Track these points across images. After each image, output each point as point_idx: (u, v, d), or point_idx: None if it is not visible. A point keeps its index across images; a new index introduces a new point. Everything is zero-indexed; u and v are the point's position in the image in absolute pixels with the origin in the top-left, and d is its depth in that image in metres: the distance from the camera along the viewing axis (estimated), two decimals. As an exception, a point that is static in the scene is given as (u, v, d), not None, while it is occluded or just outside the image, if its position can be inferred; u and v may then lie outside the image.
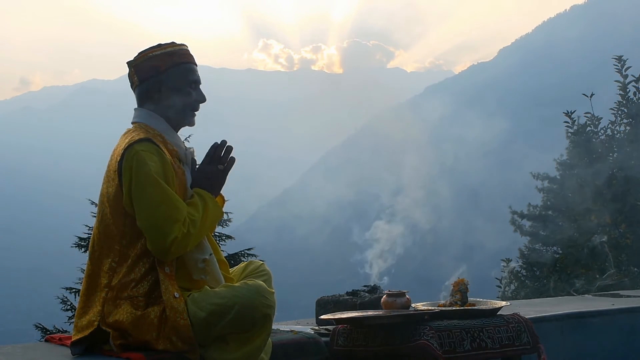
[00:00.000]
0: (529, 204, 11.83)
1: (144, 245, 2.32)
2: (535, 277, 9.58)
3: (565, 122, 8.59)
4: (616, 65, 7.93)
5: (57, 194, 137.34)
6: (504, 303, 3.02)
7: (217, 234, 10.30)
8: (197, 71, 2.53)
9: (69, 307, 9.59)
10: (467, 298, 2.99)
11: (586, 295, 5.31)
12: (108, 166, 2.40)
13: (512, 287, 9.54)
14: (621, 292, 5.09)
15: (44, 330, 9.40)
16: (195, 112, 2.54)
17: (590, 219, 8.06)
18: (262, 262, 2.76)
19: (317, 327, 3.14)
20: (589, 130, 8.33)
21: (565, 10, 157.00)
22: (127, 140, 2.36)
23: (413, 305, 2.98)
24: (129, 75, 2.50)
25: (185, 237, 2.29)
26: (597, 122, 8.32)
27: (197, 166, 2.52)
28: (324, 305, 3.31)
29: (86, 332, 2.33)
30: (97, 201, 2.46)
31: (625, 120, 8.12)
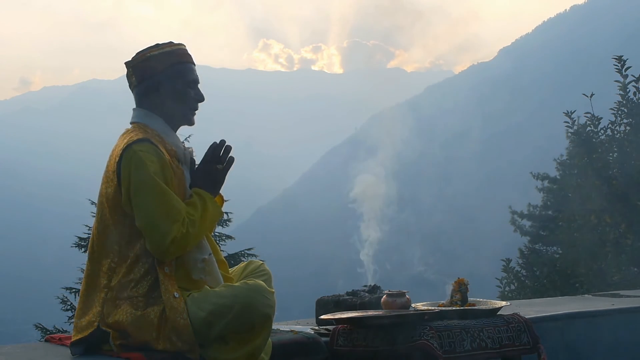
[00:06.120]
0: (529, 204, 11.84)
1: (143, 246, 2.32)
2: (535, 277, 9.59)
3: (565, 122, 8.58)
4: (616, 65, 7.91)
5: (56, 194, 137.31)
6: (504, 303, 3.02)
7: (217, 234, 10.30)
8: (195, 71, 2.53)
9: (69, 307, 9.60)
10: (467, 298, 2.99)
11: (586, 295, 5.30)
12: (107, 166, 2.40)
13: (512, 287, 9.55)
14: (621, 292, 5.08)
15: (44, 330, 9.41)
16: (194, 112, 2.54)
17: (590, 219, 8.06)
18: (262, 262, 2.76)
19: (317, 327, 3.13)
20: (589, 130, 8.31)
21: (565, 10, 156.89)
22: (125, 141, 2.35)
23: (413, 305, 2.98)
24: (128, 75, 2.50)
25: (184, 237, 2.29)
26: (597, 122, 8.30)
27: (196, 166, 2.52)
28: (324, 305, 3.31)
29: (86, 333, 2.34)
30: (96, 201, 2.46)
31: (625, 120, 8.10)
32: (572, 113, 8.48)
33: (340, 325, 2.90)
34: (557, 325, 3.73)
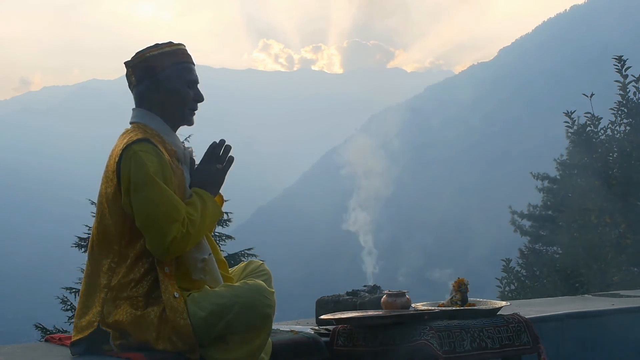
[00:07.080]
0: (529, 204, 11.84)
1: (143, 245, 2.31)
2: (535, 277, 9.59)
3: (565, 122, 8.58)
4: (616, 65, 7.91)
5: (56, 193, 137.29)
6: (504, 303, 3.02)
7: (217, 234, 10.29)
8: (194, 70, 2.53)
9: (69, 307, 9.60)
10: (467, 298, 2.99)
11: (586, 295, 5.30)
12: (106, 166, 2.40)
13: (512, 287, 9.54)
14: (621, 292, 5.08)
15: (44, 330, 9.41)
16: (194, 112, 2.54)
17: (590, 219, 8.05)
18: (262, 261, 2.76)
19: (317, 327, 3.13)
20: (589, 130, 8.31)
21: (565, 10, 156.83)
22: (125, 141, 2.35)
23: (413, 305, 2.98)
24: (127, 75, 2.49)
25: (184, 237, 2.29)
26: (597, 122, 8.30)
27: (196, 166, 2.52)
28: (324, 305, 3.31)
29: (86, 333, 2.33)
30: (96, 201, 2.45)
31: (625, 120, 8.09)
32: (572, 113, 8.48)
33: (340, 325, 2.90)
34: (557, 325, 3.73)
